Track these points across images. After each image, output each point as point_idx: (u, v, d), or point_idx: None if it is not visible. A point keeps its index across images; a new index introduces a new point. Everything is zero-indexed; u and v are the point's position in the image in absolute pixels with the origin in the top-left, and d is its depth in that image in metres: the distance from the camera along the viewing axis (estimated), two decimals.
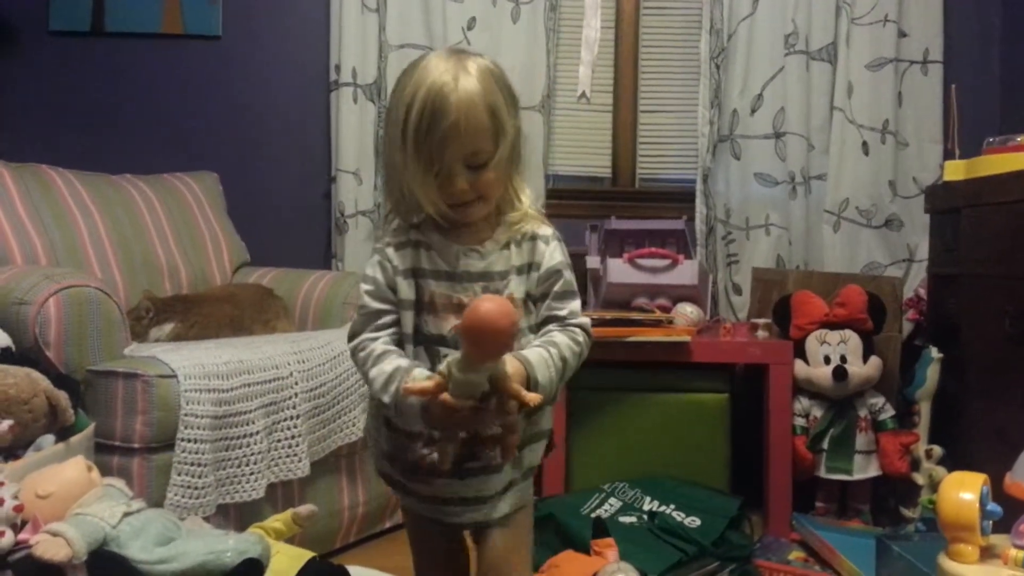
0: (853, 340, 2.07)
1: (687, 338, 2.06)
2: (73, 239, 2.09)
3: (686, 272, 2.29)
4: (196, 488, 1.59)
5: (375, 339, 1.06)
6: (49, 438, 1.41)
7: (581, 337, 1.07)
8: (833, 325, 2.09)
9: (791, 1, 2.65)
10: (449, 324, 1.04)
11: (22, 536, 1.13)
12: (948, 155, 2.57)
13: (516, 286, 1.07)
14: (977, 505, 1.07)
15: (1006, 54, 2.71)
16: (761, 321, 2.23)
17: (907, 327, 2.50)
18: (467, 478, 1.07)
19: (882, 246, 2.66)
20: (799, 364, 2.10)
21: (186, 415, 1.61)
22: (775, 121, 2.70)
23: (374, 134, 2.69)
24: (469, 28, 2.70)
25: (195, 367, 1.66)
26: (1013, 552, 1.07)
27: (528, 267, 1.08)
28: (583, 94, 2.83)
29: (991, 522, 1.11)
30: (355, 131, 2.67)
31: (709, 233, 2.70)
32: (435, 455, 1.03)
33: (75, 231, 2.11)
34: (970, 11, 2.72)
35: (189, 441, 1.61)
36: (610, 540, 1.67)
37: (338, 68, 2.68)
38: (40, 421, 1.40)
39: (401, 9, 2.69)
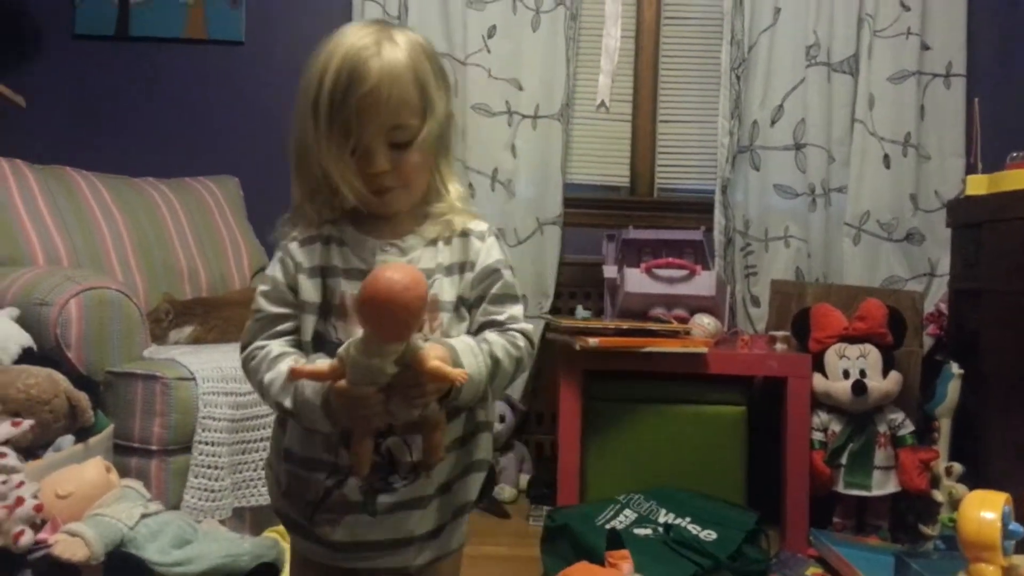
0: (873, 354, 2.05)
1: (704, 349, 2.05)
2: (95, 241, 2.11)
3: (704, 283, 2.28)
4: (213, 491, 1.60)
5: (268, 344, 0.93)
6: (69, 438, 1.42)
7: (522, 342, 0.96)
8: (853, 339, 2.07)
9: (812, 13, 2.64)
10: (360, 331, 0.88)
11: (41, 536, 1.14)
12: (971, 169, 2.54)
13: (445, 288, 0.95)
14: (999, 525, 1.06)
15: None
16: (780, 334, 2.21)
17: (928, 342, 2.47)
18: (382, 514, 0.92)
19: (903, 260, 2.64)
20: (818, 378, 2.08)
21: (204, 418, 1.62)
22: (795, 132, 2.69)
23: None
24: (489, 36, 2.71)
25: (213, 370, 1.67)
26: None
27: (460, 267, 0.97)
28: (602, 103, 2.83)
29: (1013, 542, 1.09)
30: None
31: (727, 244, 2.69)
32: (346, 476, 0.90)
33: (97, 233, 2.13)
34: (994, 25, 2.70)
35: (206, 444, 1.62)
36: (625, 552, 1.65)
37: None
38: (60, 422, 1.41)
39: (421, 17, 2.71)
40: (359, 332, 0.84)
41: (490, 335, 0.94)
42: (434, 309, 0.93)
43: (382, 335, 0.80)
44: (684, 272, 2.30)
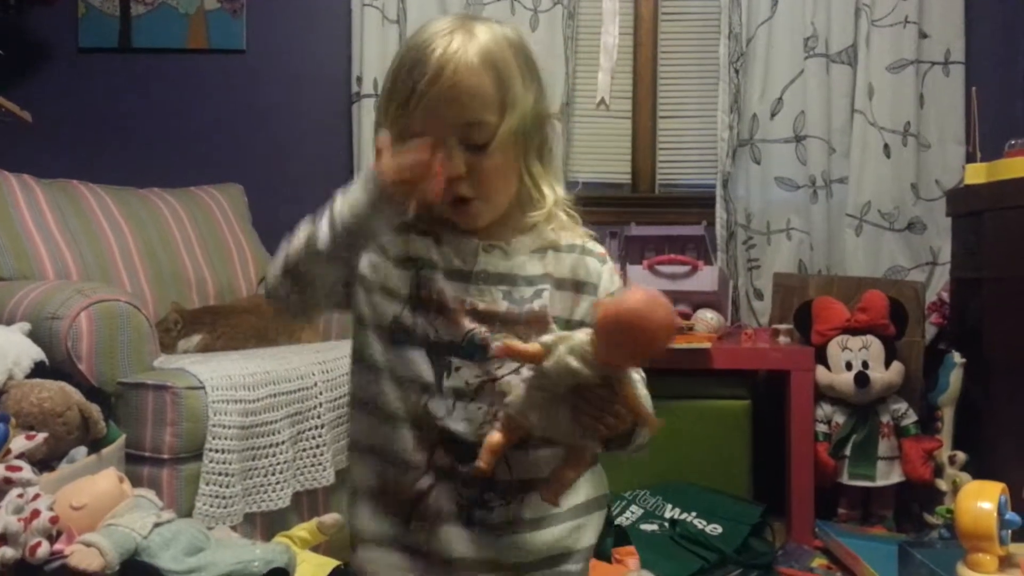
0: (875, 346, 2.06)
1: (707, 345, 2.07)
2: (103, 253, 2.14)
3: (706, 278, 2.30)
4: (224, 497, 1.63)
5: None
6: (82, 450, 1.44)
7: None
8: (855, 331, 2.09)
9: (810, 4, 2.64)
10: (463, 329, 0.83)
11: (57, 547, 1.17)
12: (970, 157, 2.55)
13: (555, 302, 0.86)
14: (995, 515, 1.07)
15: None
16: (783, 327, 2.23)
17: (931, 331, 2.49)
18: (481, 533, 0.83)
19: (905, 249, 2.64)
20: (821, 370, 2.10)
21: (214, 426, 1.65)
22: (795, 125, 2.69)
23: None
24: None
25: (222, 378, 1.70)
26: None
27: (576, 285, 0.88)
28: (602, 101, 2.84)
29: (1010, 531, 1.11)
30: None
31: (730, 238, 2.70)
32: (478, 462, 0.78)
33: (105, 245, 2.16)
34: (992, 11, 2.69)
35: (217, 451, 1.65)
36: (631, 548, 1.68)
37: (359, 80, 2.72)
38: (73, 434, 1.44)
39: (420, 19, 2.71)
40: (460, 331, 0.82)
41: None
42: (543, 323, 0.85)
43: (621, 361, 0.74)
44: (686, 268, 2.31)
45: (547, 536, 0.85)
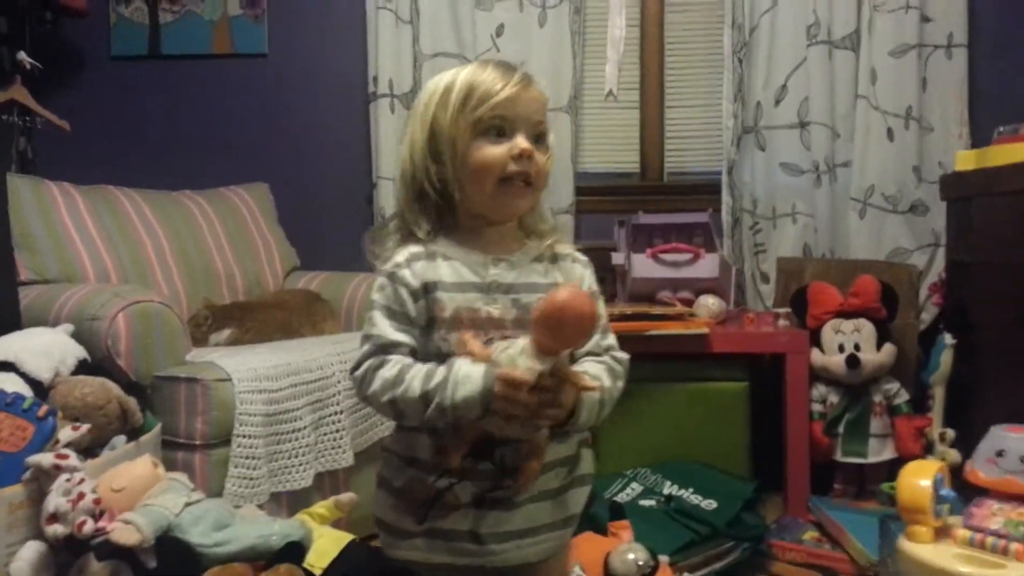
0: (867, 329, 2.14)
1: (704, 330, 2.16)
2: (139, 253, 2.30)
3: (707, 265, 2.39)
4: (251, 479, 1.78)
5: (388, 361, 0.95)
6: (121, 439, 1.60)
7: (620, 369, 1.02)
8: (847, 314, 2.17)
9: None
10: (451, 335, 0.96)
11: (100, 524, 1.32)
12: (972, 140, 2.61)
13: None
14: (931, 491, 1.17)
15: None
16: (783, 311, 2.31)
17: (933, 311, 2.55)
18: (493, 510, 0.97)
19: (908, 231, 2.69)
20: (815, 353, 2.18)
21: (241, 414, 1.80)
22: (800, 111, 2.75)
23: None
24: (498, 35, 2.82)
25: (248, 371, 1.85)
26: (961, 532, 1.17)
27: None
28: (610, 92, 2.93)
29: (947, 506, 1.21)
30: (393, 139, 2.81)
31: (735, 224, 2.78)
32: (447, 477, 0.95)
33: (141, 247, 2.32)
34: None
35: (244, 437, 1.80)
36: (626, 522, 1.80)
37: (376, 80, 2.83)
38: (113, 424, 1.60)
39: (433, 20, 2.83)
40: (471, 299, 0.95)
41: (592, 365, 0.99)
42: None
43: (557, 342, 0.87)
44: (688, 256, 2.41)
45: (545, 506, 1.00)
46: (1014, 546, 1.11)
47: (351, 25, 2.91)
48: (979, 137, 2.59)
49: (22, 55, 2.57)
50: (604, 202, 2.93)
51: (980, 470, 1.21)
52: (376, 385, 0.95)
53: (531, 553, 1.00)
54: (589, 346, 1.01)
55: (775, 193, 2.79)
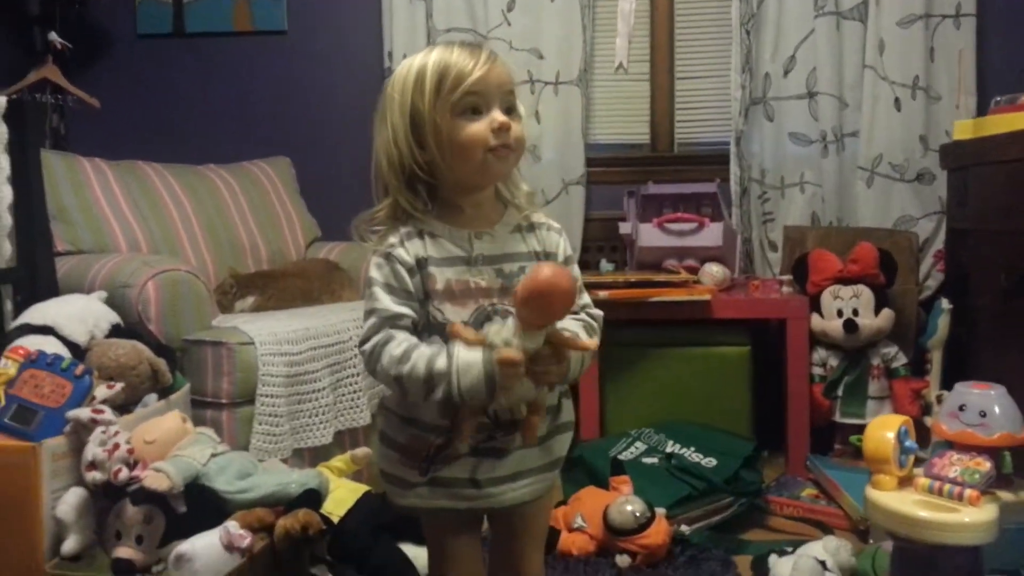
0: (865, 294, 2.21)
1: (707, 297, 2.24)
2: (167, 225, 2.42)
3: (712, 234, 2.46)
4: (274, 435, 1.90)
5: (394, 337, 1.02)
6: (153, 397, 1.72)
7: (597, 325, 1.10)
8: (846, 280, 2.23)
9: None
10: (469, 310, 1.03)
11: (135, 473, 1.44)
12: (981, 110, 2.62)
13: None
14: (894, 442, 1.25)
15: None
16: (786, 278, 2.38)
17: (939, 278, 2.60)
18: (484, 457, 1.06)
19: (914, 200, 2.73)
20: (815, 318, 2.25)
21: (263, 375, 1.91)
22: (808, 81, 2.79)
23: None
24: (509, 10, 2.88)
25: (270, 335, 1.96)
26: (922, 480, 1.25)
27: (545, 255, 1.10)
28: (620, 65, 2.98)
29: (911, 456, 1.28)
30: None
31: (743, 193, 2.83)
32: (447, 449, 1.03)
33: (169, 219, 2.43)
34: None
35: (267, 396, 1.91)
36: (626, 477, 1.89)
37: (390, 55, 2.91)
38: (145, 383, 1.72)
39: None
40: (466, 312, 1.02)
41: (570, 322, 1.06)
42: None
43: (544, 319, 0.94)
44: (693, 225, 2.48)
45: (533, 452, 1.09)
46: (968, 492, 1.19)
47: (367, 2, 2.98)
48: (985, 107, 2.61)
49: (53, 35, 2.69)
50: (615, 173, 2.99)
51: (943, 423, 1.28)
52: (384, 360, 1.02)
53: (523, 494, 1.09)
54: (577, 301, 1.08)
55: (783, 163, 2.84)
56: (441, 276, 1.04)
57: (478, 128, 1.04)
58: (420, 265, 1.04)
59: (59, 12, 2.81)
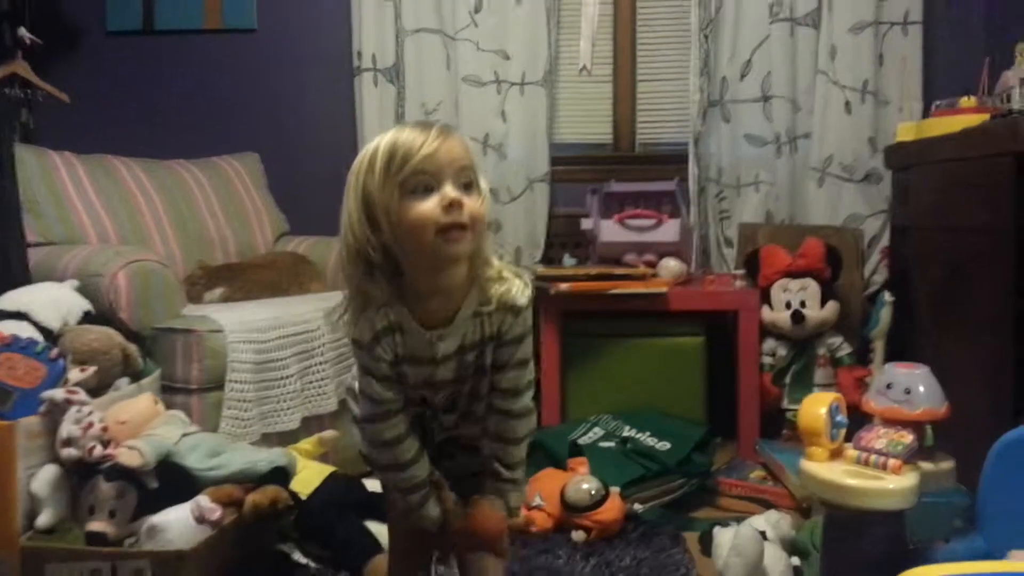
0: (812, 287, 2.32)
1: (663, 289, 2.33)
2: (137, 218, 2.46)
3: (669, 230, 2.56)
4: (242, 419, 1.96)
5: (391, 423, 1.15)
6: (124, 380, 1.78)
7: (517, 437, 1.20)
8: (795, 274, 2.34)
9: None
10: (440, 395, 1.17)
11: (108, 451, 1.49)
12: (926, 114, 2.75)
13: (485, 354, 1.14)
14: (826, 417, 1.35)
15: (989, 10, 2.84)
16: (739, 272, 2.49)
17: (885, 273, 2.72)
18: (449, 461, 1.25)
19: (862, 199, 2.84)
20: (765, 309, 2.36)
21: (232, 362, 1.97)
22: (763, 85, 2.90)
23: (394, 113, 2.98)
24: (476, 11, 2.95)
25: (239, 323, 2.01)
26: (850, 452, 1.35)
27: (498, 338, 1.13)
28: (584, 67, 3.07)
29: (843, 431, 1.39)
30: (376, 111, 2.96)
31: (701, 192, 2.94)
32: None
33: (139, 212, 2.47)
34: None
35: (236, 383, 1.97)
36: (583, 459, 1.98)
37: (360, 54, 2.97)
38: (117, 368, 1.77)
39: None
40: (435, 397, 1.17)
41: (491, 498, 1.20)
42: (480, 374, 1.16)
43: (479, 549, 1.21)
44: (652, 221, 2.57)
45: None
46: (891, 462, 1.30)
47: (336, 2, 3.04)
48: (930, 111, 2.73)
49: (23, 31, 2.71)
50: (578, 171, 3.08)
51: (872, 400, 1.39)
52: (371, 436, 1.18)
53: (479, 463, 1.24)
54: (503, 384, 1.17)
55: (739, 163, 2.94)
56: (413, 373, 1.14)
57: (427, 207, 1.02)
58: (395, 363, 1.12)
59: (29, 8, 2.84)
